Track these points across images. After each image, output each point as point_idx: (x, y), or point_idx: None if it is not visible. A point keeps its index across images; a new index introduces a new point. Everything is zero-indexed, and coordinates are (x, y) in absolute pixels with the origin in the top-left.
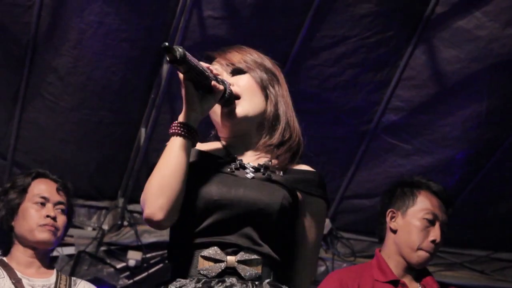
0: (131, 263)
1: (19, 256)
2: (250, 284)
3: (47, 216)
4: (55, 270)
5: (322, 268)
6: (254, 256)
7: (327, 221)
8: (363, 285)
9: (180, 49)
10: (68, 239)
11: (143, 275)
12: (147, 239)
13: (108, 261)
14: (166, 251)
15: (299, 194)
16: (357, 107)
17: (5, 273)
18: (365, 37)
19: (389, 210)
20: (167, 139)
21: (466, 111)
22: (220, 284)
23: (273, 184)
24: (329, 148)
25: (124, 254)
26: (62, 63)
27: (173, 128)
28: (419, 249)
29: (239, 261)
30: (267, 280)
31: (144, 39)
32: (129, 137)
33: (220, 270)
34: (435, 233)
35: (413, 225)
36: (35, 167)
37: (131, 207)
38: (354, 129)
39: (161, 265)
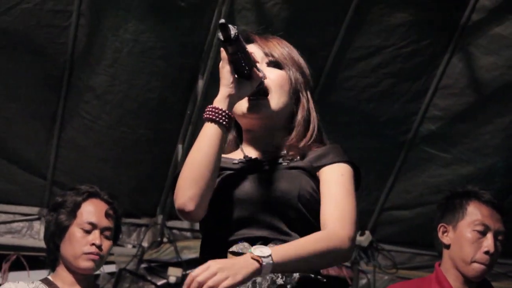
0: (172, 279)
1: (64, 275)
2: (280, 276)
3: (93, 244)
4: None
5: (364, 281)
6: None
7: (367, 233)
8: None
9: (235, 28)
10: (109, 257)
11: None
12: (187, 255)
13: (149, 278)
14: None
15: (319, 174)
16: (395, 118)
17: None
18: (400, 47)
19: (440, 225)
20: None
21: (505, 119)
22: None
23: (291, 170)
24: (367, 160)
25: (164, 271)
26: (99, 82)
27: (207, 113)
28: (473, 261)
29: None
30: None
31: (180, 56)
32: (166, 153)
33: None
34: (487, 243)
35: (464, 238)
36: None
37: (170, 223)
38: (392, 140)
39: None
